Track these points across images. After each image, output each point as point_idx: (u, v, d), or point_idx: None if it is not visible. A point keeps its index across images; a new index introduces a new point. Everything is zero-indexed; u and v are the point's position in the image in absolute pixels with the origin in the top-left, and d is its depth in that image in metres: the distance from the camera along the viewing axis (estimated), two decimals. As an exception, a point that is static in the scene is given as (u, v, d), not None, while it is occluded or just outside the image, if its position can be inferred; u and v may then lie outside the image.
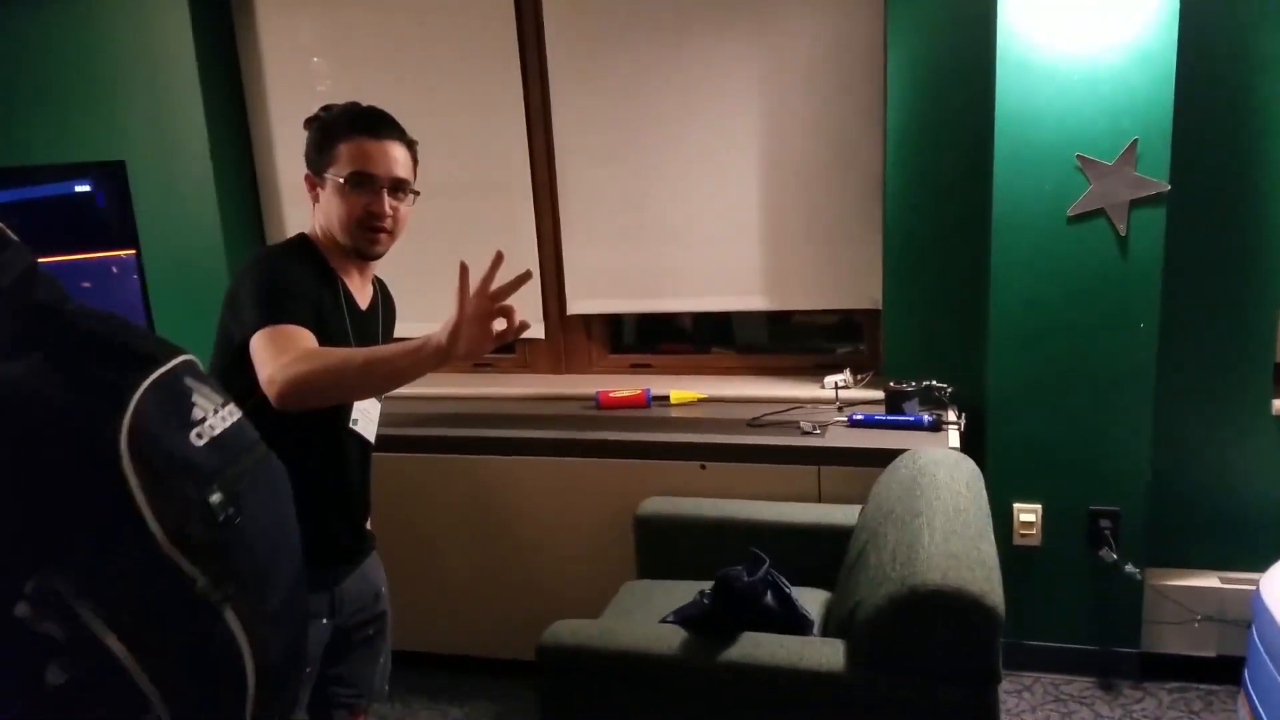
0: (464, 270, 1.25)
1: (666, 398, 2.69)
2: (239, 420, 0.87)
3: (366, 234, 1.51)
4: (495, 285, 1.23)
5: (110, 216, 2.63)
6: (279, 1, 3.01)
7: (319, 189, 1.53)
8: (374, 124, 1.52)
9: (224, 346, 1.47)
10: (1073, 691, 2.46)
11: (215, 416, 0.84)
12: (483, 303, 1.22)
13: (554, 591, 2.51)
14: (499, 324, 1.24)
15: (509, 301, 1.23)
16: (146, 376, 0.78)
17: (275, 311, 1.37)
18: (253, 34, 3.06)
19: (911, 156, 2.53)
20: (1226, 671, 2.43)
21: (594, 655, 1.68)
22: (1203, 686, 2.45)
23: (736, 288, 2.83)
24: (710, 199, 2.80)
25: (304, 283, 1.46)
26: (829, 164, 2.69)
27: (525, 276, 1.25)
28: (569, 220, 2.92)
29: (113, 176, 2.61)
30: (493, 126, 2.90)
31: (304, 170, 1.56)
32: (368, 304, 1.62)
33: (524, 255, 2.95)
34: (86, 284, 2.59)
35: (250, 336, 1.36)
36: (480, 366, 3.14)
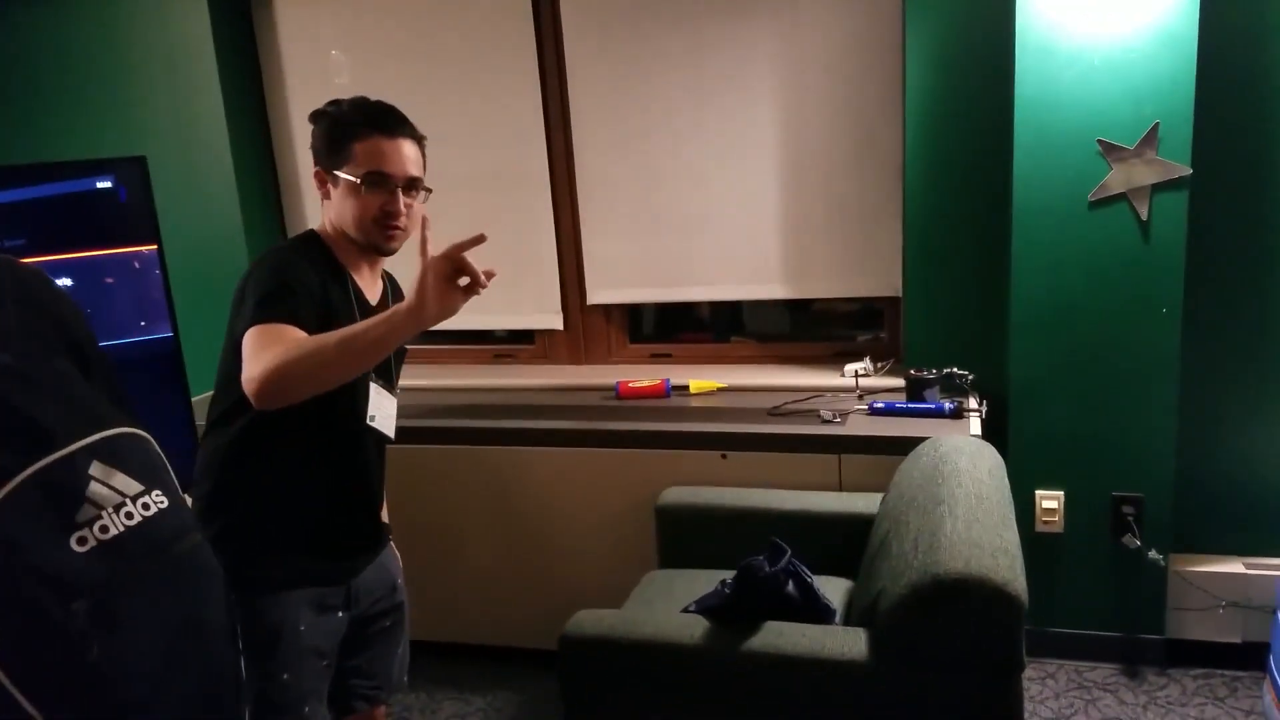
0: (425, 223, 1.33)
1: (686, 387, 2.69)
2: (163, 510, 0.77)
3: (383, 232, 1.51)
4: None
5: (132, 212, 2.64)
6: (295, -5, 3.02)
7: (330, 185, 1.53)
8: (388, 122, 1.52)
9: (230, 348, 1.46)
10: (1096, 678, 2.45)
11: (118, 514, 0.72)
12: (440, 262, 1.25)
13: (576, 581, 2.52)
14: (463, 280, 1.27)
15: (472, 261, 1.27)
16: (30, 465, 0.68)
17: (269, 310, 1.36)
18: (271, 28, 3.07)
19: (931, 142, 2.51)
20: (1252, 657, 2.41)
21: (616, 645, 1.69)
22: (1228, 673, 2.43)
23: (756, 276, 2.83)
24: (729, 187, 2.79)
25: (307, 279, 1.45)
26: (848, 151, 2.68)
27: (479, 239, 1.27)
28: (588, 210, 2.92)
29: (134, 172, 2.62)
30: (511, 117, 2.90)
31: (314, 165, 1.56)
32: (378, 299, 1.62)
33: (543, 246, 2.96)
34: (109, 279, 2.61)
35: (245, 330, 1.36)
36: (501, 358, 3.15)
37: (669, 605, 1.96)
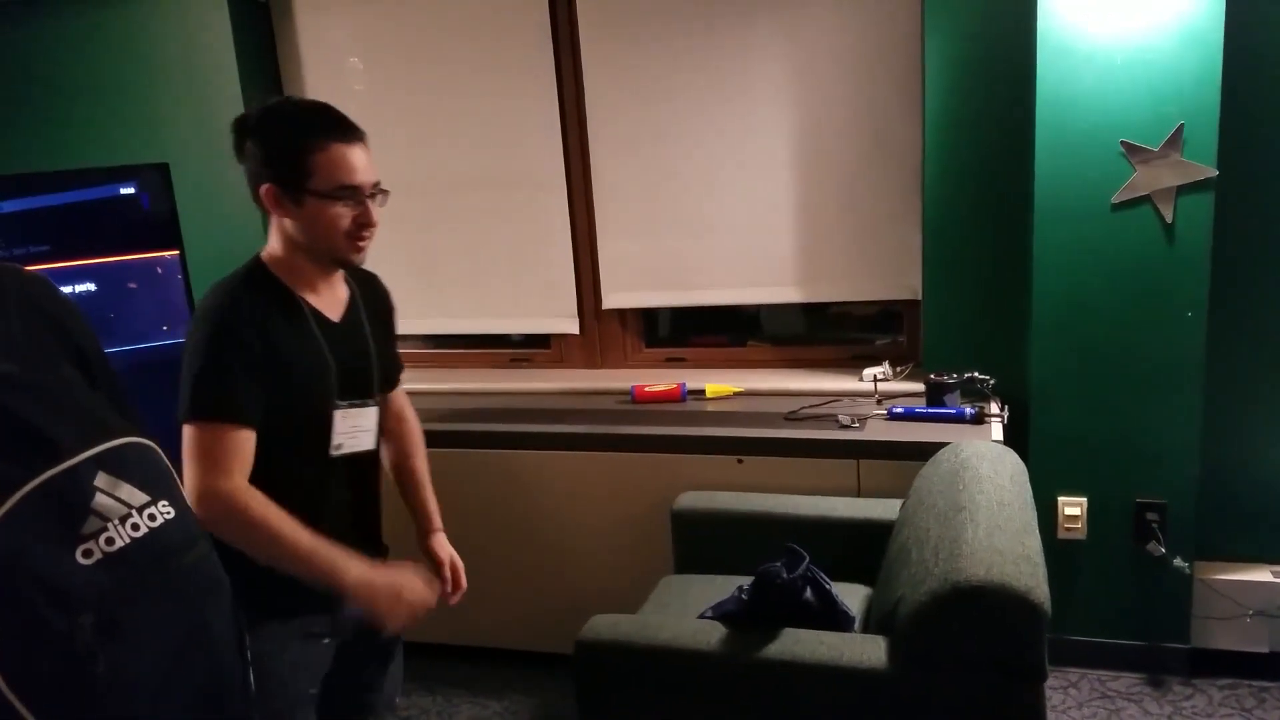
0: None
1: (702, 391, 2.68)
2: (169, 521, 0.76)
3: (354, 244, 1.44)
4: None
5: (155, 218, 2.67)
6: (316, 2, 3.04)
7: (290, 204, 1.42)
8: (344, 128, 1.44)
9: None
10: (1120, 688, 2.41)
11: (123, 525, 0.72)
12: (420, 605, 1.42)
13: (592, 586, 2.51)
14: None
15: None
16: (36, 476, 0.68)
17: (207, 402, 1.33)
18: (292, 35, 3.09)
19: (950, 144, 2.49)
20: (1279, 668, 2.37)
21: (632, 650, 1.68)
22: (1255, 683, 2.39)
23: (773, 279, 2.81)
24: (746, 190, 2.78)
25: (246, 342, 1.36)
26: (866, 152, 2.66)
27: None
28: (604, 213, 2.92)
29: (157, 179, 2.65)
30: (527, 119, 2.90)
31: (260, 183, 1.44)
32: (342, 312, 1.54)
33: (558, 249, 2.96)
34: (132, 285, 2.64)
35: (182, 422, 1.33)
36: (517, 362, 3.15)
37: (685, 611, 1.95)
